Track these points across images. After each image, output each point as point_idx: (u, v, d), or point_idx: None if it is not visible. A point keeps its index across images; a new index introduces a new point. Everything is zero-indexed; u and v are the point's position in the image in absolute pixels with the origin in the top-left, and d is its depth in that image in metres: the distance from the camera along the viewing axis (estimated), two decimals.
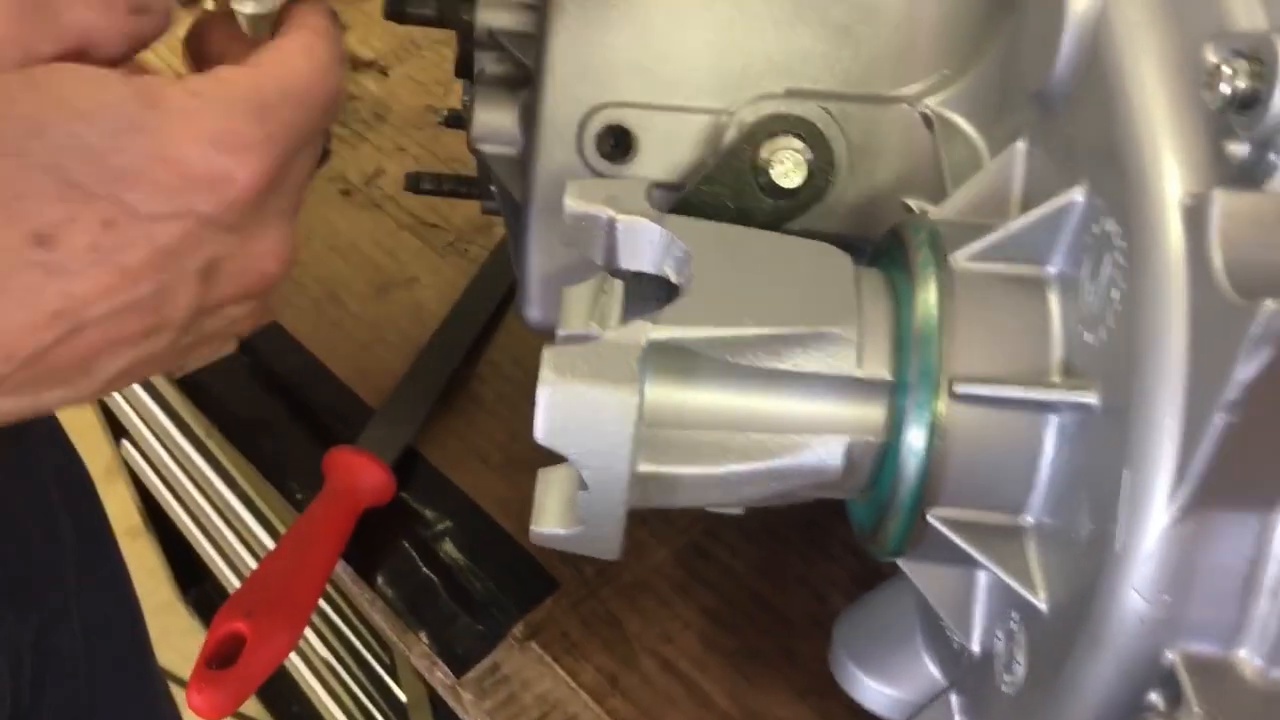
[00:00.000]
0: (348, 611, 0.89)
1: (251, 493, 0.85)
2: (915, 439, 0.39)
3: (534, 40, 0.50)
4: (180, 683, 0.62)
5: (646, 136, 0.49)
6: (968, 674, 0.43)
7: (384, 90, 0.92)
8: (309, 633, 1.01)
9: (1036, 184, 0.41)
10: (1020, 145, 0.41)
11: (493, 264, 0.77)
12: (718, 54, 0.48)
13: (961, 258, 0.39)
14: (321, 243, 0.80)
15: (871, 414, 0.40)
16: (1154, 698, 0.34)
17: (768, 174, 0.49)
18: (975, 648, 0.42)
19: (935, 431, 0.38)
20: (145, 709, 0.78)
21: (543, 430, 0.37)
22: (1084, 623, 0.34)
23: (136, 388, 1.02)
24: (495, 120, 0.52)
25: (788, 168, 0.48)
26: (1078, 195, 0.37)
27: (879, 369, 0.39)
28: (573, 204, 0.42)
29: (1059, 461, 0.37)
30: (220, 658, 0.56)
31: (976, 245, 0.39)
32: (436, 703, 0.79)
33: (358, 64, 0.93)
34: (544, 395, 0.37)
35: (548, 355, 0.37)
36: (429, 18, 0.54)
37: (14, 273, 0.33)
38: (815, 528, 0.64)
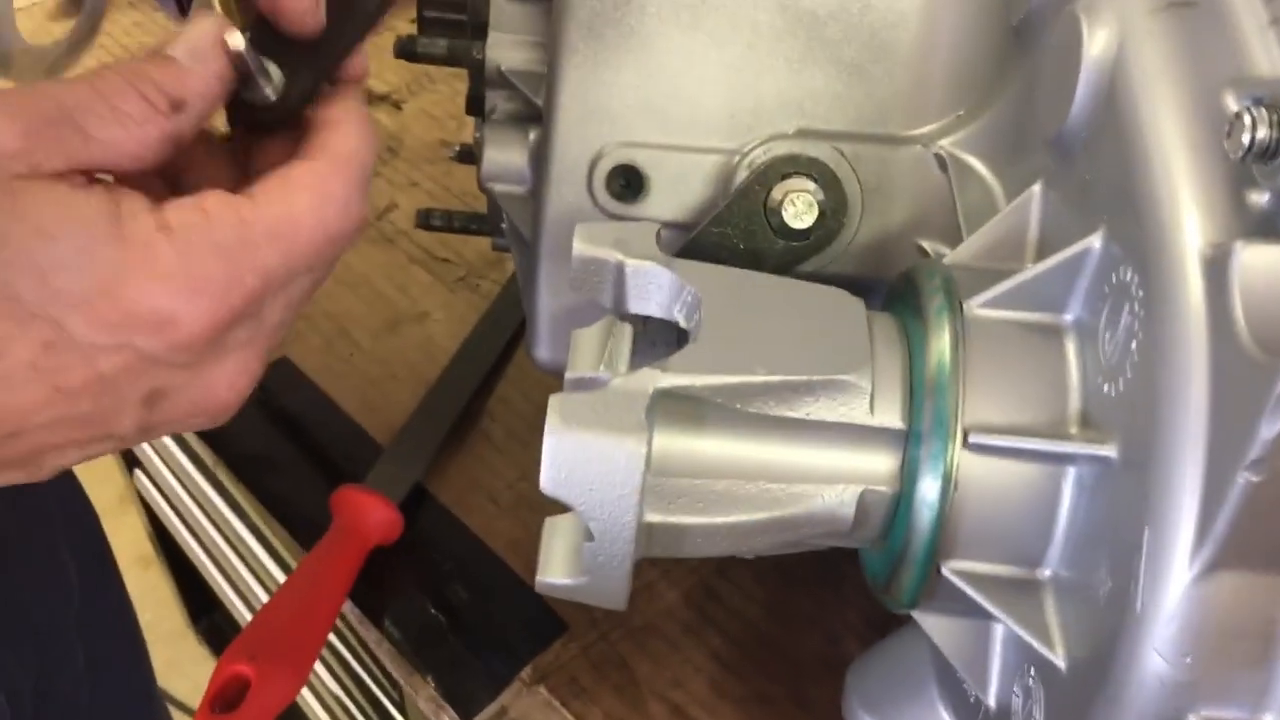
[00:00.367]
0: (357, 647, 0.89)
1: (262, 525, 0.85)
2: (929, 490, 0.38)
3: (544, 79, 0.49)
4: (189, 712, 0.61)
5: (657, 176, 0.49)
6: None
7: (397, 124, 0.92)
8: (318, 666, 1.00)
9: (1053, 229, 0.40)
10: (1036, 189, 0.41)
11: (504, 299, 0.77)
12: (729, 94, 0.48)
13: (976, 304, 0.39)
14: (332, 277, 0.78)
15: (884, 464, 0.39)
16: None
17: (779, 215, 0.48)
18: (991, 702, 0.41)
19: (949, 482, 0.37)
20: None
21: (549, 481, 0.36)
22: (1103, 683, 0.33)
23: None
24: (505, 159, 0.52)
25: (799, 209, 0.48)
26: (1095, 242, 0.37)
27: (892, 418, 0.39)
28: (581, 248, 0.41)
29: (1076, 515, 0.37)
30: (224, 701, 0.55)
31: (992, 292, 0.38)
32: None
33: (371, 98, 0.93)
34: (550, 445, 0.36)
35: (554, 403, 0.36)
36: (439, 56, 0.54)
37: None
38: (827, 567, 0.63)
